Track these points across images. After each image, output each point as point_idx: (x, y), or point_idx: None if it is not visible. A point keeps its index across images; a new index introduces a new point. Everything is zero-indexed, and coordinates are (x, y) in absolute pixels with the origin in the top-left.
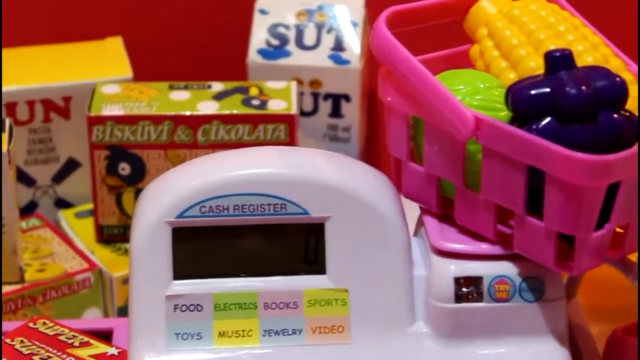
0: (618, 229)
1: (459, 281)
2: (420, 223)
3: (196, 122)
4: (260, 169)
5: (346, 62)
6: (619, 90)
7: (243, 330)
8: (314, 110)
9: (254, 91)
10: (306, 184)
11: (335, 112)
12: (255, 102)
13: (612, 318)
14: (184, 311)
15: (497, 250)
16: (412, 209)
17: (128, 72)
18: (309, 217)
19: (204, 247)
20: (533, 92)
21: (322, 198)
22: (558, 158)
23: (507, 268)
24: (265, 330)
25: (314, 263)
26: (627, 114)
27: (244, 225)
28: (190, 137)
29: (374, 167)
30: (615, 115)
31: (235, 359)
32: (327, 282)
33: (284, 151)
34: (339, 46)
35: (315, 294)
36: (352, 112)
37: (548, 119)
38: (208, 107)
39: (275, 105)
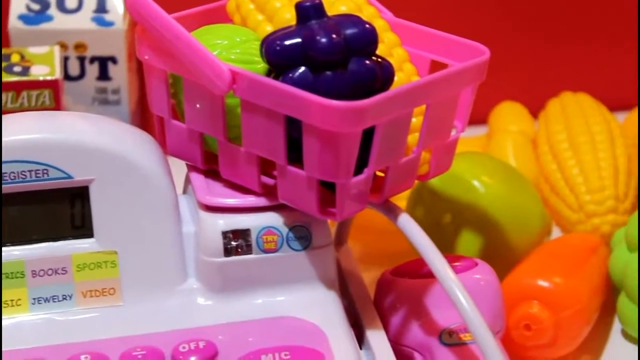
0: (378, 173)
1: (227, 235)
2: (187, 180)
3: None
4: (18, 135)
5: (110, 23)
6: (369, 36)
7: (12, 300)
8: (81, 75)
9: (15, 58)
10: (67, 147)
11: (103, 75)
12: (17, 68)
13: (383, 262)
14: None
15: (263, 202)
16: (182, 167)
17: None
18: (72, 180)
19: None
20: (285, 42)
21: (84, 161)
22: (312, 106)
23: (274, 219)
24: (34, 299)
25: (81, 227)
26: (379, 59)
27: (7, 193)
28: None
29: (148, 127)
30: (366, 62)
31: (4, 330)
32: (95, 246)
33: (42, 116)
34: (101, 8)
35: (84, 258)
36: (120, 74)
37: (302, 69)
38: None
39: (38, 71)
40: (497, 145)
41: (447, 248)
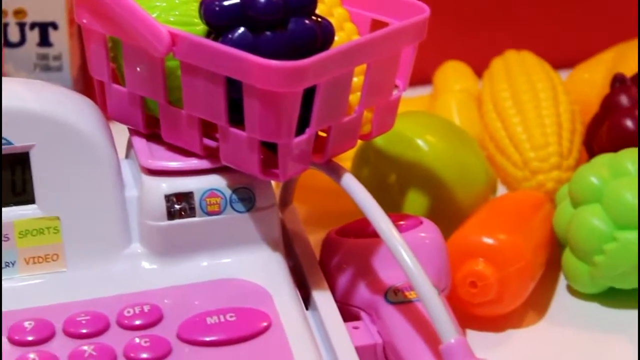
0: (321, 133)
1: (170, 198)
2: (129, 144)
3: None
4: None
5: None
6: None
7: None
8: (22, 41)
9: None
10: (6, 113)
11: (44, 41)
12: None
13: (329, 222)
14: None
15: (205, 164)
16: (123, 132)
17: None
18: (12, 147)
19: None
20: (224, 3)
21: (24, 127)
22: (252, 67)
23: (217, 181)
24: None
25: (22, 193)
26: (319, 19)
27: None
28: None
29: (91, 94)
30: (306, 21)
31: None
32: (37, 212)
33: None
34: None
35: (26, 224)
36: (61, 40)
37: (241, 30)
38: None
39: None
40: (442, 104)
41: (392, 207)
